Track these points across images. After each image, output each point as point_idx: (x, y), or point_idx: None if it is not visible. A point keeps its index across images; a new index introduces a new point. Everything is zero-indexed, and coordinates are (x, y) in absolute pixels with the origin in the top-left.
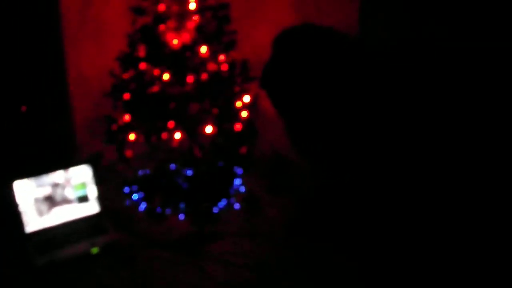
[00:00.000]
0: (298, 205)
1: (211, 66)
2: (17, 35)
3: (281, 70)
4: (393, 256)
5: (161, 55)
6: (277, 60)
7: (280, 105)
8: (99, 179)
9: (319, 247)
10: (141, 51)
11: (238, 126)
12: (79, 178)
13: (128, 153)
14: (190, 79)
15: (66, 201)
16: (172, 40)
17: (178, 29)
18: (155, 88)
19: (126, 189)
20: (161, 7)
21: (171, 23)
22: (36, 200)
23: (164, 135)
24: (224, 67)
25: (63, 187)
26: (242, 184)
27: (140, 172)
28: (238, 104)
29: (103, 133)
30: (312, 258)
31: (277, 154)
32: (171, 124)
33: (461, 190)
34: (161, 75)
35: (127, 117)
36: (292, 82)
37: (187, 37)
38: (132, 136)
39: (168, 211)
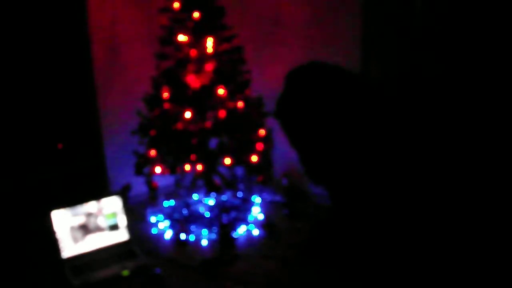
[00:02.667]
0: (313, 230)
1: (228, 104)
2: (56, 80)
3: (292, 103)
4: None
5: (183, 96)
6: (289, 93)
7: (292, 135)
8: (129, 209)
9: (332, 271)
10: (165, 92)
11: (254, 158)
12: (110, 208)
13: (155, 184)
14: (209, 116)
15: (98, 229)
16: (193, 82)
17: (198, 71)
18: (179, 125)
19: (153, 218)
20: (182, 53)
21: (191, 67)
22: (72, 228)
23: (187, 167)
24: (240, 105)
25: (96, 216)
26: (260, 212)
27: (166, 202)
28: (254, 137)
29: (132, 167)
30: (326, 282)
31: (292, 182)
32: (193, 157)
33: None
34: (183, 114)
35: (153, 152)
36: (303, 114)
37: (206, 79)
38: (158, 169)
39: (191, 237)
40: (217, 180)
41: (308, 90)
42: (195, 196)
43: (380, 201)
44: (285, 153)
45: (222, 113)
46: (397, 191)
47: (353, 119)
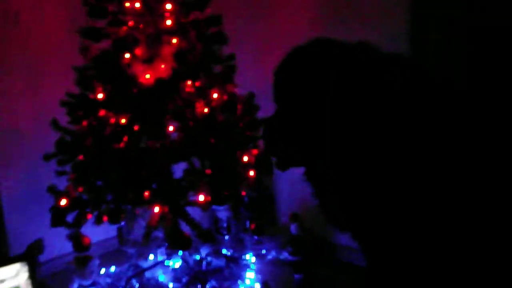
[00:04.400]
0: None
1: (200, 108)
2: None
3: (292, 122)
4: None
5: (127, 97)
6: (284, 104)
7: (298, 155)
8: (40, 283)
9: None
10: (98, 92)
11: (243, 192)
12: (10, 282)
13: (85, 241)
14: (170, 128)
15: None
16: (143, 74)
17: (151, 59)
18: (121, 144)
19: None
20: (124, 29)
21: (140, 50)
22: None
23: (138, 211)
24: (220, 107)
25: None
26: (256, 278)
27: (104, 269)
28: (243, 159)
29: (47, 213)
30: None
31: (306, 229)
32: (147, 194)
33: None
34: (129, 125)
35: (81, 188)
36: (315, 124)
37: (163, 69)
38: (91, 216)
39: None
40: (185, 230)
41: (318, 87)
42: (150, 257)
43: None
44: (293, 183)
45: (190, 123)
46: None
47: (400, 128)
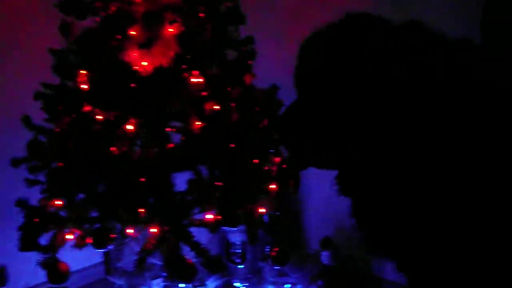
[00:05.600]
0: None
1: (210, 104)
2: None
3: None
4: None
5: (121, 89)
6: (307, 91)
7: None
8: None
9: None
10: (82, 82)
11: (262, 210)
12: None
13: (63, 268)
14: (171, 130)
15: None
16: (138, 61)
17: (149, 41)
18: (110, 148)
19: None
20: (115, 4)
21: (135, 31)
22: None
23: (130, 231)
24: (234, 105)
25: None
26: None
27: None
28: (262, 169)
29: (15, 233)
30: None
31: (341, 257)
32: (141, 211)
33: None
34: (120, 125)
35: (59, 202)
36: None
37: (164, 54)
38: (70, 237)
39: None
40: (189, 257)
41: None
42: None
43: None
44: (326, 200)
45: (195, 125)
46: None
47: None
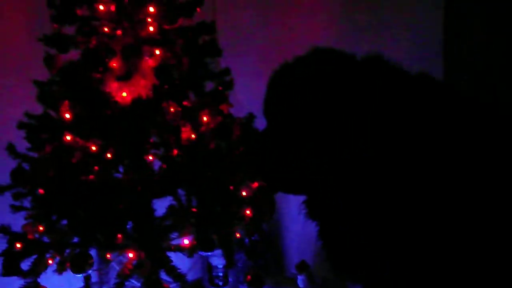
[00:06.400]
0: None
1: (187, 133)
2: None
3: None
4: None
5: (99, 119)
6: (275, 119)
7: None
8: None
9: None
10: (65, 112)
11: (237, 235)
12: None
13: None
14: (150, 158)
15: None
16: (118, 92)
17: (128, 73)
18: (90, 176)
19: None
20: (97, 38)
21: (115, 63)
22: None
23: (109, 256)
24: (212, 132)
25: None
26: None
27: None
28: (239, 193)
29: None
30: None
31: (317, 280)
32: (119, 237)
33: None
34: (100, 154)
35: (40, 228)
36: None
37: (142, 85)
38: (51, 262)
39: None
40: (166, 282)
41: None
42: None
43: None
44: (304, 225)
45: (174, 152)
46: None
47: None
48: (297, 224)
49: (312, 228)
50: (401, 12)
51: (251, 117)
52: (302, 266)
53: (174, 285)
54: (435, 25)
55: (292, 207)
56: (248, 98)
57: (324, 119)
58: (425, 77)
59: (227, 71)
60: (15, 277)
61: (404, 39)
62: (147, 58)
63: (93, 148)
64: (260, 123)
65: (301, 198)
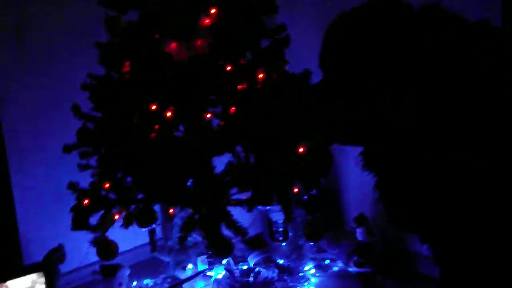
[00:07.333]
0: None
1: (245, 92)
2: None
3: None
4: None
5: (159, 78)
6: (332, 72)
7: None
8: None
9: None
10: (126, 73)
11: (296, 189)
12: None
13: (112, 246)
14: (208, 116)
15: None
16: (176, 51)
17: (185, 34)
18: (152, 134)
19: None
20: None
21: (173, 23)
22: None
23: (171, 211)
24: (268, 89)
25: None
26: None
27: (136, 283)
28: (297, 150)
29: (68, 215)
30: None
31: (376, 233)
32: (183, 193)
33: None
34: (160, 113)
35: (107, 185)
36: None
37: (199, 44)
38: (118, 217)
39: None
40: (227, 234)
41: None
42: (189, 267)
43: None
44: (363, 179)
45: (233, 108)
46: None
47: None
48: (355, 177)
49: (369, 180)
50: None
51: (307, 73)
52: (361, 219)
53: (235, 239)
54: None
55: (349, 161)
56: (304, 53)
57: (381, 73)
58: (489, 29)
59: (283, 27)
60: (85, 232)
61: None
62: (203, 17)
63: (153, 107)
64: (317, 79)
65: (358, 150)
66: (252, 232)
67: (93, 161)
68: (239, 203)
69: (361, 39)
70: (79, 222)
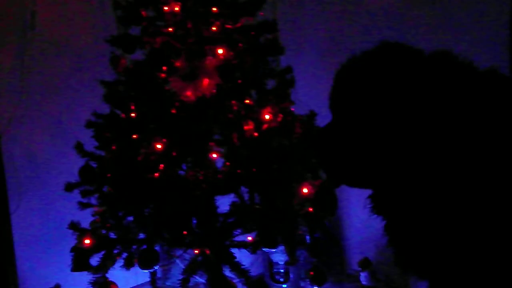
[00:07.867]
0: None
1: (250, 131)
2: None
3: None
4: None
5: (165, 117)
6: (342, 113)
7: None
8: None
9: None
10: (131, 111)
11: (300, 232)
12: None
13: (113, 286)
14: (214, 156)
15: None
16: (182, 91)
17: (192, 72)
18: (155, 174)
19: None
20: (161, 38)
21: (179, 63)
22: None
23: (175, 253)
24: (274, 130)
25: None
26: None
27: None
28: (301, 191)
29: (68, 255)
30: None
31: (380, 277)
32: (185, 233)
33: None
34: (165, 152)
35: (109, 225)
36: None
37: (206, 85)
38: (119, 260)
39: None
40: (230, 277)
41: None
42: None
43: None
44: (366, 221)
45: (238, 148)
46: None
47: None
48: (358, 221)
49: (374, 224)
50: (466, 5)
51: (312, 114)
52: (365, 263)
53: (237, 280)
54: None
55: (353, 204)
56: (309, 95)
57: (392, 115)
58: (498, 77)
59: (289, 69)
60: (84, 272)
61: (468, 33)
62: (210, 57)
63: (158, 146)
64: (321, 121)
65: (364, 193)
66: (252, 272)
67: (93, 199)
68: (243, 245)
69: (372, 83)
70: (80, 263)
